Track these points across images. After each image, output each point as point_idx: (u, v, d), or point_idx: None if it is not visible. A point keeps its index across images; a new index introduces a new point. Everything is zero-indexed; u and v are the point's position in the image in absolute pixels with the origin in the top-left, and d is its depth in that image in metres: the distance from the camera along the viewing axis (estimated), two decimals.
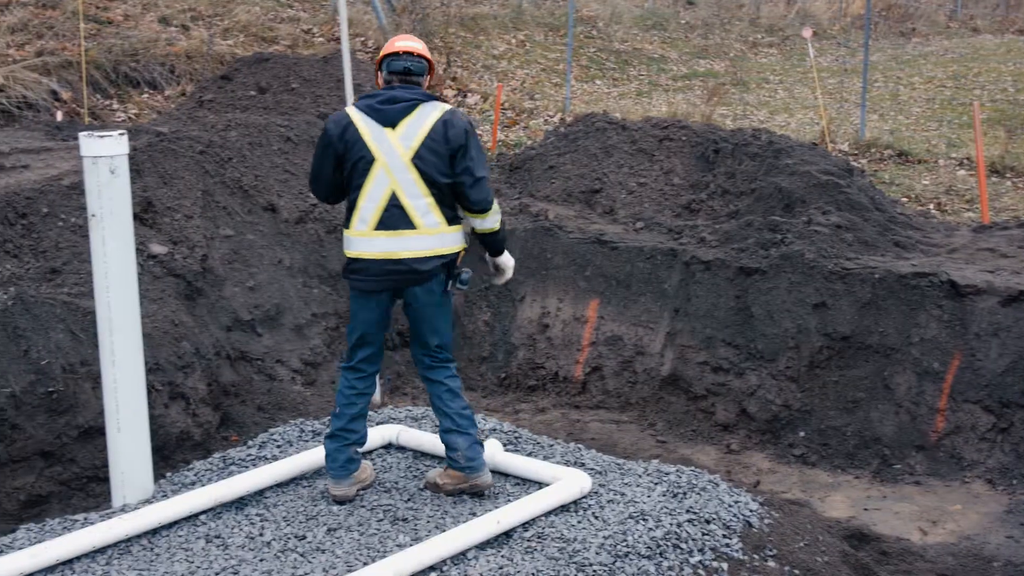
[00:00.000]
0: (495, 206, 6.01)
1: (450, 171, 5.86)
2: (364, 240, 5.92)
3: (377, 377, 6.62)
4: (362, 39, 18.43)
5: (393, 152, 5.84)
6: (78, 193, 7.51)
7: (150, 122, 11.90)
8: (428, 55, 6.06)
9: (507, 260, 6.32)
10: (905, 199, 12.89)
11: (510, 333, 9.30)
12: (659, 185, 10.55)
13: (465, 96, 17.83)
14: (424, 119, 5.85)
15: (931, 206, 12.79)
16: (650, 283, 8.99)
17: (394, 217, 5.87)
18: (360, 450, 6.30)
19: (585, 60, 21.70)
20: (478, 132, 15.68)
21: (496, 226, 6.06)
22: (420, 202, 5.85)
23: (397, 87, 5.98)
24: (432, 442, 6.76)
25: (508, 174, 11.51)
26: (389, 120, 5.88)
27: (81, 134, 5.93)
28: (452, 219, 5.94)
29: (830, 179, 9.54)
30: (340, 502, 6.14)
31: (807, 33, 17.01)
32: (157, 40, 15.33)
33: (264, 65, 12.18)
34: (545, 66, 20.69)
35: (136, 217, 7.50)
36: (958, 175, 14.27)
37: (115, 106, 13.83)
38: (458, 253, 6.00)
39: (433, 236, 5.89)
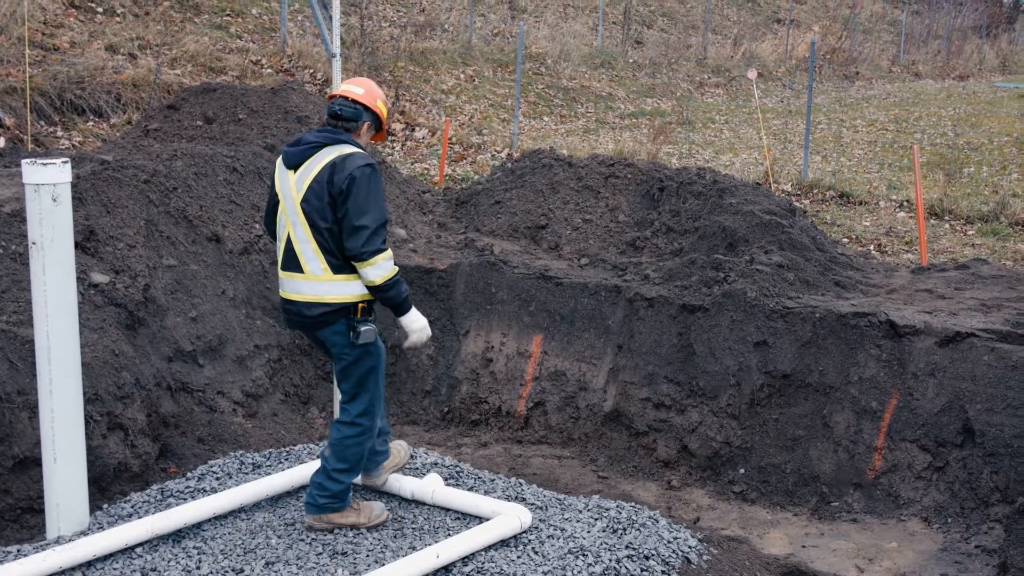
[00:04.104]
0: (379, 260, 5.75)
1: (332, 216, 5.79)
2: (279, 279, 6.06)
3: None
4: (311, 71, 18.44)
5: (289, 195, 5.90)
6: (19, 220, 7.43)
7: (94, 150, 11.81)
8: (368, 100, 6.02)
9: (410, 322, 6.06)
10: (846, 239, 13.06)
11: (453, 367, 9.29)
12: (604, 222, 10.61)
13: (413, 130, 17.87)
14: (318, 162, 5.83)
15: (871, 247, 12.95)
16: (594, 319, 9.02)
17: (289, 259, 5.95)
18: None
19: (533, 96, 21.84)
20: (423, 168, 15.72)
21: (378, 280, 5.79)
22: (306, 247, 5.85)
23: (315, 130, 6.05)
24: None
25: (454, 208, 11.54)
26: (291, 162, 5.93)
27: (24, 161, 5.89)
28: (338, 267, 5.82)
29: (773, 219, 9.63)
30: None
31: (752, 74, 17.25)
32: (104, 68, 15.24)
33: (211, 95, 12.11)
34: (493, 102, 20.79)
35: (78, 245, 7.43)
36: (898, 217, 14.48)
37: (59, 133, 13.72)
38: (352, 304, 5.86)
39: (317, 283, 5.85)
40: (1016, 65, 38.76)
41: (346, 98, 6.02)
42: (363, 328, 5.86)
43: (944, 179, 15.90)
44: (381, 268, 5.76)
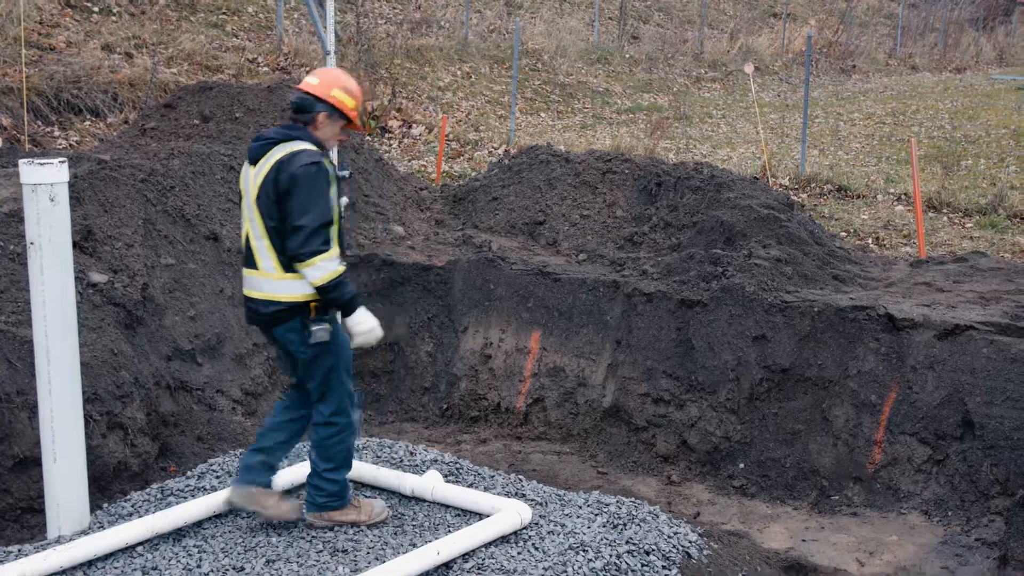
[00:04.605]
0: (318, 261, 5.64)
1: (278, 215, 5.72)
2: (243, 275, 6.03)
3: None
4: (307, 68, 18.42)
5: (248, 191, 5.86)
6: (17, 220, 7.43)
7: (92, 149, 11.80)
8: (320, 91, 5.88)
9: (355, 323, 5.86)
10: (844, 233, 13.06)
11: (452, 364, 9.29)
12: (602, 217, 10.61)
13: (410, 127, 17.87)
14: (270, 160, 5.76)
15: (869, 240, 12.96)
16: (592, 315, 9.03)
17: (247, 256, 5.91)
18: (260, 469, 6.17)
19: (530, 93, 21.83)
20: (420, 164, 15.72)
21: (319, 282, 5.67)
22: (261, 244, 5.80)
23: (280, 125, 5.98)
24: (373, 474, 6.74)
25: (452, 205, 11.54)
26: (251, 158, 5.87)
27: (21, 161, 5.89)
28: (288, 266, 5.74)
29: (771, 213, 9.64)
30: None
31: (749, 69, 17.22)
32: (100, 67, 15.24)
33: (208, 94, 12.11)
34: (490, 98, 20.78)
35: (76, 245, 7.43)
36: (896, 210, 14.49)
37: (56, 133, 13.71)
38: (302, 303, 5.77)
39: (268, 280, 5.80)
40: (1013, 57, 38.73)
41: (302, 91, 5.93)
42: (315, 328, 5.76)
43: (942, 172, 15.90)
44: (320, 269, 5.65)
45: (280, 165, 5.70)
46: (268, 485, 6.13)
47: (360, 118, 6.12)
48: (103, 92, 14.71)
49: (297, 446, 7.33)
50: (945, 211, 14.42)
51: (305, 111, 5.89)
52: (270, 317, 5.86)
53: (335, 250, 5.72)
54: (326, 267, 5.66)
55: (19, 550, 5.83)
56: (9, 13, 15.00)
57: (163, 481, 6.84)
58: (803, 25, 33.90)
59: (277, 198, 5.70)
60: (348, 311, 5.82)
